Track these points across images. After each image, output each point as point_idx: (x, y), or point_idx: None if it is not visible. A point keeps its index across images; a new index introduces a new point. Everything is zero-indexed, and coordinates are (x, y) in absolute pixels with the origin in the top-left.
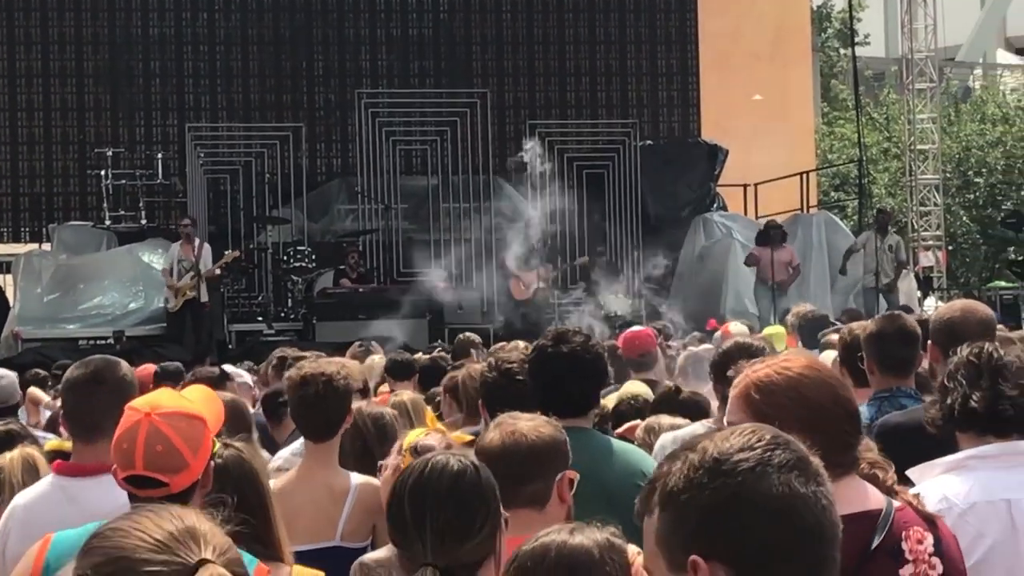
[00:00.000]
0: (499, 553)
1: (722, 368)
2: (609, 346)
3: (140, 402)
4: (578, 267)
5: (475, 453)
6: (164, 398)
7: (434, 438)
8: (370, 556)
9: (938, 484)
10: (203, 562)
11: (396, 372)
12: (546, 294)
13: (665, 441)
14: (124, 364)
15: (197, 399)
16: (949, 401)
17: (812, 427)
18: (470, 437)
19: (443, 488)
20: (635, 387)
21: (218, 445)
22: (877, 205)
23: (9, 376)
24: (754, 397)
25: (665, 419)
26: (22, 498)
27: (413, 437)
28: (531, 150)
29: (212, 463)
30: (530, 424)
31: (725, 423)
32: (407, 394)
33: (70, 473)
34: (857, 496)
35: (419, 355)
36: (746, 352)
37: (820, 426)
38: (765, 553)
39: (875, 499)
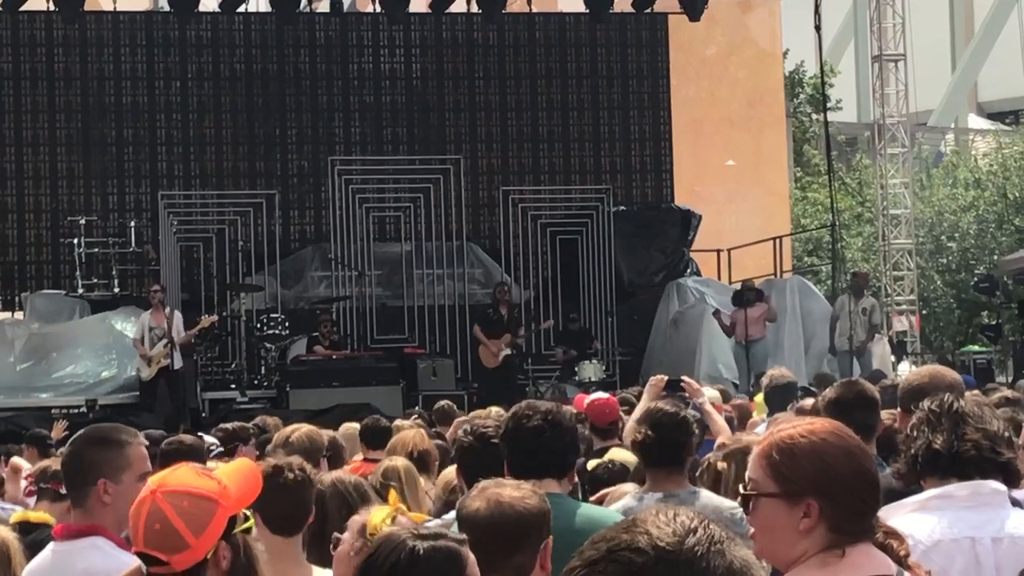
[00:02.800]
0: None
1: (631, 434)
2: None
3: (154, 478)
4: (545, 331)
5: (458, 521)
6: (174, 475)
7: (402, 525)
8: None
9: (904, 522)
10: None
11: (371, 439)
12: (515, 360)
13: None
14: (131, 430)
15: (226, 474)
16: (913, 450)
17: (829, 495)
18: (433, 520)
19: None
20: (620, 454)
21: (251, 523)
22: (852, 269)
23: None
24: (775, 458)
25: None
26: (29, 567)
27: (377, 520)
28: None
29: (224, 542)
30: (516, 494)
31: (747, 477)
32: (401, 460)
33: (68, 536)
34: (869, 562)
35: (398, 421)
36: (650, 417)
37: (837, 495)
38: None
39: (885, 566)
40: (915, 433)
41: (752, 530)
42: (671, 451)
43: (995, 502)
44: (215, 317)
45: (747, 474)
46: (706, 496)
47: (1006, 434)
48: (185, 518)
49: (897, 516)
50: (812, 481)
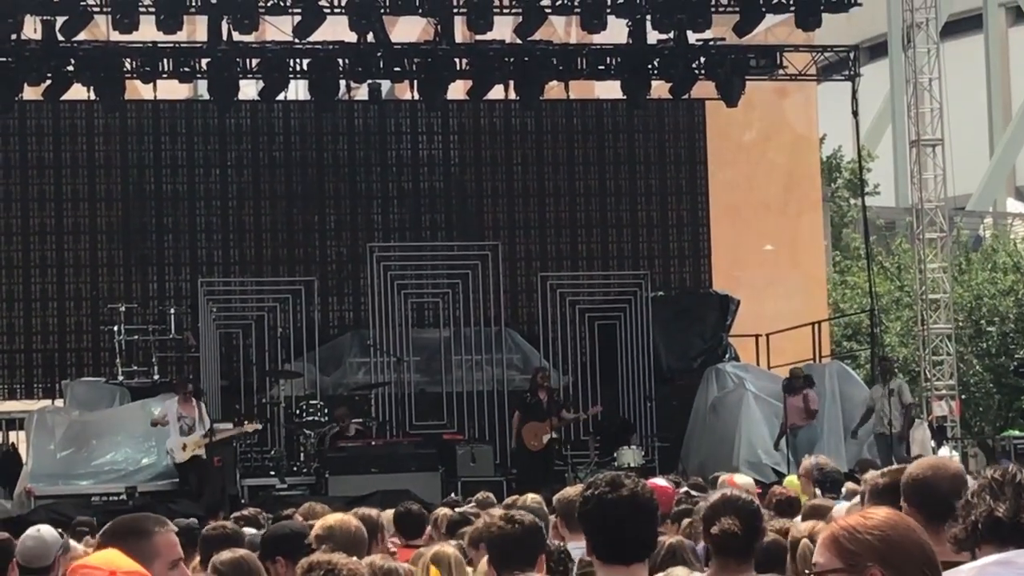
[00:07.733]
0: None
1: (709, 523)
2: None
3: (97, 560)
4: (590, 416)
5: None
6: (118, 558)
7: None
8: None
9: None
10: None
11: (406, 527)
12: (558, 444)
13: None
14: (160, 518)
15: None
16: (973, 517)
17: (893, 565)
18: None
19: None
20: None
21: None
22: (890, 354)
23: (44, 535)
24: (839, 539)
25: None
26: None
27: None
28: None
29: None
30: None
31: (812, 564)
32: (450, 548)
33: None
34: None
35: (442, 510)
36: (732, 506)
37: (902, 566)
38: None
39: None
40: (975, 500)
41: None
42: (751, 540)
43: None
44: (259, 425)
45: (813, 559)
46: None
47: None
48: None
49: None
50: (875, 550)
